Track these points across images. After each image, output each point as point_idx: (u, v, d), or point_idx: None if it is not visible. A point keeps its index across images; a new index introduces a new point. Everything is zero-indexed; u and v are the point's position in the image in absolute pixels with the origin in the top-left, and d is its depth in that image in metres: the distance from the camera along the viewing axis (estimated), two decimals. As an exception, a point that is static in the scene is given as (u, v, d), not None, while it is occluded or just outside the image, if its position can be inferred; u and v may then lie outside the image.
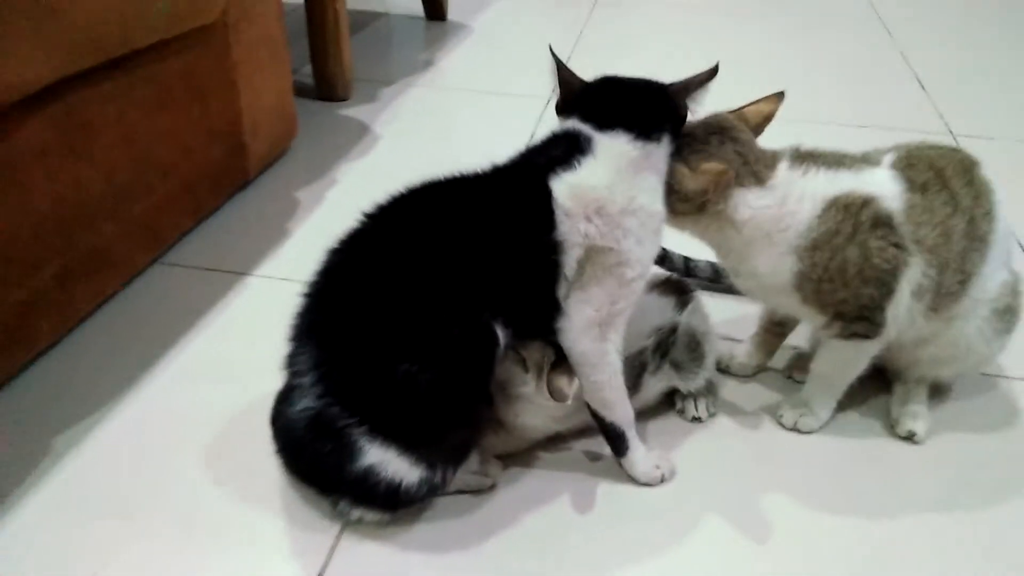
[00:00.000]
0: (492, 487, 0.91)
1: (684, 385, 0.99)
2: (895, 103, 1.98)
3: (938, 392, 1.05)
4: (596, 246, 0.82)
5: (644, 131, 0.84)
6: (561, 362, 0.87)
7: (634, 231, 0.83)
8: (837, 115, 1.86)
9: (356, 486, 0.79)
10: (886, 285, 0.87)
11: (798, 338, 1.10)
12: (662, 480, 0.92)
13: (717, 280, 1.21)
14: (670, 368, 0.98)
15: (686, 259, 1.22)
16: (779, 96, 0.93)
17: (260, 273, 1.25)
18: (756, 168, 0.88)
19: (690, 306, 1.00)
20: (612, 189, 0.82)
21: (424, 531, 0.86)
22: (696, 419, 1.00)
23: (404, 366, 0.75)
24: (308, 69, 1.87)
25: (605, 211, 0.82)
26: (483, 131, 1.76)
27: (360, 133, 1.72)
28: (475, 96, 1.94)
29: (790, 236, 0.87)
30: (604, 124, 0.84)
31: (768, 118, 0.92)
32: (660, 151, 0.86)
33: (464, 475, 0.88)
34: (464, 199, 0.84)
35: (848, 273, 0.87)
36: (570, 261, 0.82)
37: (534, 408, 0.89)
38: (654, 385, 0.98)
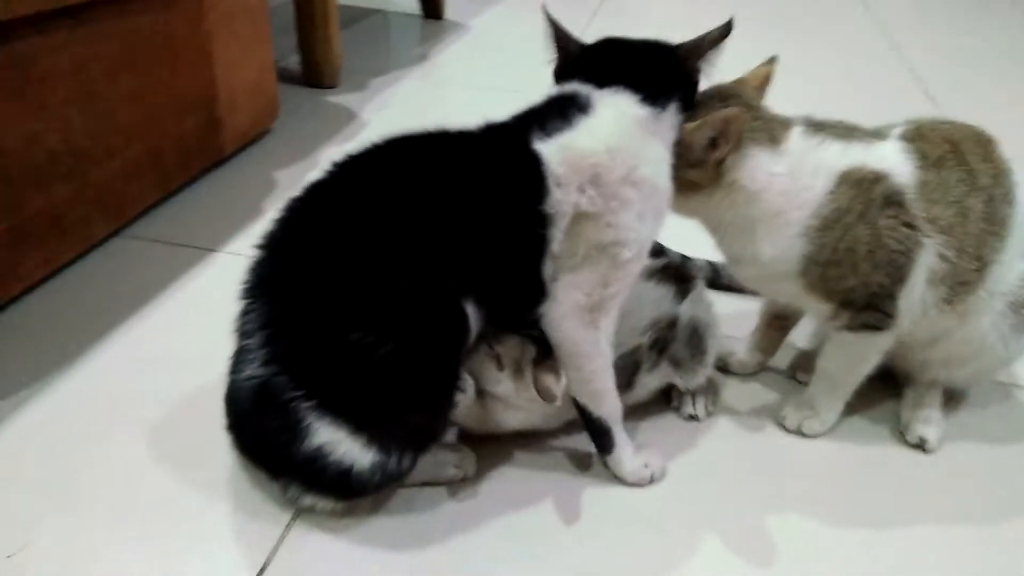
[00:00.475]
0: (463, 480, 0.82)
1: (683, 383, 0.91)
2: (904, 116, 1.92)
3: (952, 399, 0.97)
4: (588, 214, 0.74)
5: (651, 93, 0.76)
6: (544, 358, 0.78)
7: (635, 205, 0.74)
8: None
9: (304, 468, 0.70)
10: (898, 269, 0.80)
11: (802, 337, 1.02)
12: (651, 481, 0.83)
13: (716, 279, 1.14)
14: (668, 365, 0.89)
15: (683, 257, 1.14)
16: (772, 60, 0.87)
17: (229, 250, 1.17)
18: (771, 126, 0.81)
19: (692, 295, 0.91)
20: (612, 154, 0.73)
21: (382, 525, 0.77)
22: (693, 417, 0.92)
23: (357, 334, 0.67)
24: (297, 58, 1.80)
25: (602, 180, 0.73)
26: (475, 124, 1.69)
27: (347, 119, 1.65)
28: (468, 91, 1.87)
29: (803, 215, 0.80)
30: (606, 82, 0.76)
31: (767, 79, 0.86)
32: (668, 118, 0.78)
33: (431, 465, 0.80)
34: (445, 157, 0.75)
35: (858, 255, 0.79)
36: (558, 235, 0.74)
37: (511, 409, 0.81)
38: (649, 383, 0.90)
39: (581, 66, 0.79)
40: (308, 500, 0.74)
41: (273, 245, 0.72)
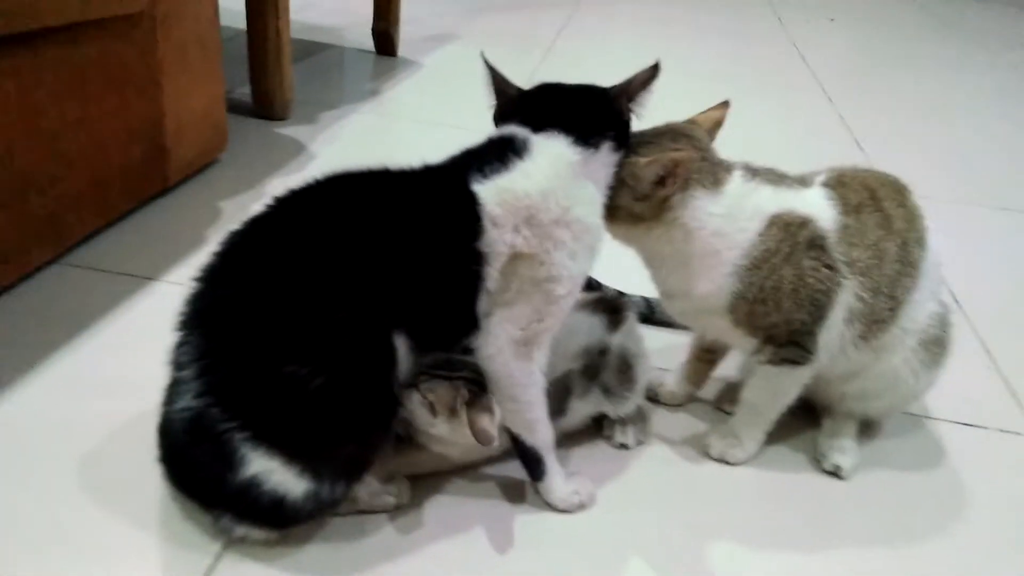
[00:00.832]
0: (396, 508, 0.83)
1: (613, 410, 0.94)
2: (833, 161, 1.99)
3: (867, 430, 1.02)
4: (524, 255, 0.77)
5: (584, 134, 0.80)
6: (476, 399, 0.79)
7: (567, 244, 0.78)
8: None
9: (237, 499, 0.71)
10: (819, 308, 0.85)
11: (729, 369, 1.06)
12: (580, 507, 0.86)
13: (651, 315, 1.18)
14: (599, 392, 0.92)
15: (619, 293, 1.18)
16: (725, 104, 0.92)
17: (169, 279, 1.17)
18: (715, 169, 0.86)
19: (624, 327, 0.95)
20: (546, 196, 0.77)
21: (316, 554, 0.78)
22: (623, 446, 0.95)
23: (291, 367, 0.68)
24: (248, 90, 1.82)
25: (536, 220, 0.76)
26: (425, 159, 1.72)
27: (295, 151, 1.67)
28: (419, 126, 1.91)
29: (735, 255, 0.84)
30: (541, 126, 0.80)
31: (718, 123, 0.91)
32: (601, 158, 0.82)
33: (365, 494, 0.81)
34: (383, 194, 0.77)
35: (782, 293, 0.84)
36: (493, 273, 0.77)
37: (451, 446, 0.83)
38: (581, 409, 0.92)
39: (518, 110, 0.83)
40: (240, 530, 0.75)
41: (210, 278, 0.74)
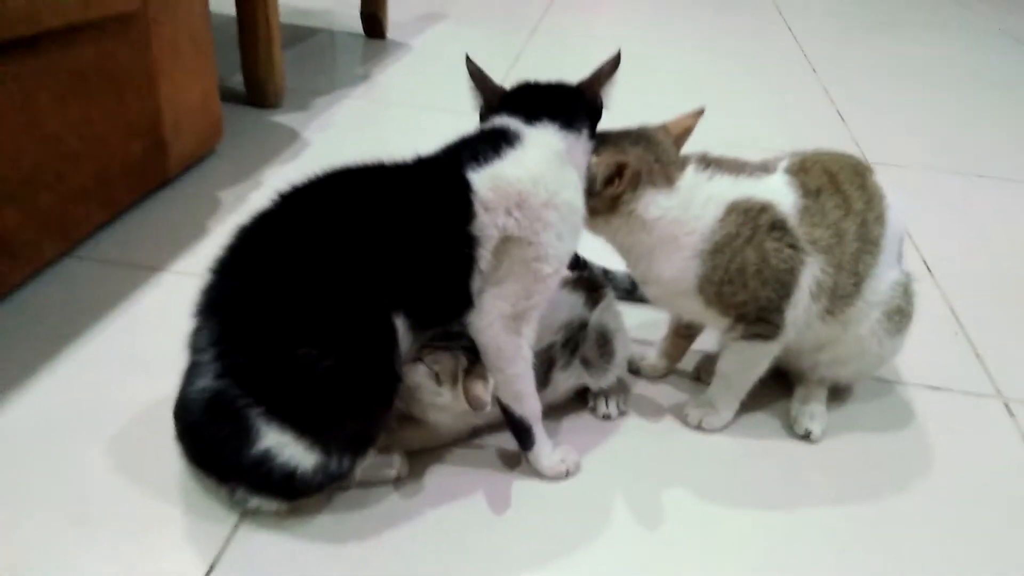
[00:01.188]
0: (397, 480, 0.90)
1: (594, 382, 1.00)
2: (816, 133, 2.07)
3: (838, 395, 1.09)
4: (514, 238, 0.83)
5: (568, 121, 0.87)
6: (473, 366, 0.87)
7: (555, 225, 0.84)
8: (759, 142, 1.93)
9: (252, 471, 0.77)
10: (784, 286, 0.90)
11: (707, 342, 1.13)
12: (567, 475, 0.93)
13: (634, 291, 1.23)
14: (580, 365, 0.98)
15: (605, 271, 1.24)
16: (699, 112, 0.98)
17: (175, 269, 1.23)
18: (668, 169, 0.91)
19: (602, 304, 1.01)
20: (536, 182, 0.83)
21: (325, 523, 0.84)
22: (606, 416, 1.02)
23: (303, 349, 0.75)
24: (240, 78, 1.86)
25: (527, 204, 0.83)
26: (417, 144, 1.76)
27: (290, 139, 1.71)
28: (411, 111, 1.95)
29: (695, 240, 0.90)
30: (532, 117, 0.87)
31: (688, 130, 0.97)
32: (581, 144, 0.89)
33: (368, 467, 0.87)
34: (381, 186, 0.83)
35: (747, 274, 0.90)
36: (485, 254, 0.83)
37: (448, 413, 0.89)
38: (563, 381, 0.99)
39: (506, 105, 0.89)
40: (255, 502, 0.81)
41: (223, 270, 0.80)
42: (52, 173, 1.13)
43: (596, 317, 0.99)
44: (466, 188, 0.82)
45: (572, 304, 0.99)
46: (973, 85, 2.59)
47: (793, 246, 0.90)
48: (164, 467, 0.87)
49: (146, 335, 1.08)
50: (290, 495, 0.81)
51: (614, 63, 0.91)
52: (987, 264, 1.50)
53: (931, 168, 1.90)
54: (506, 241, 0.83)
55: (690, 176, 0.92)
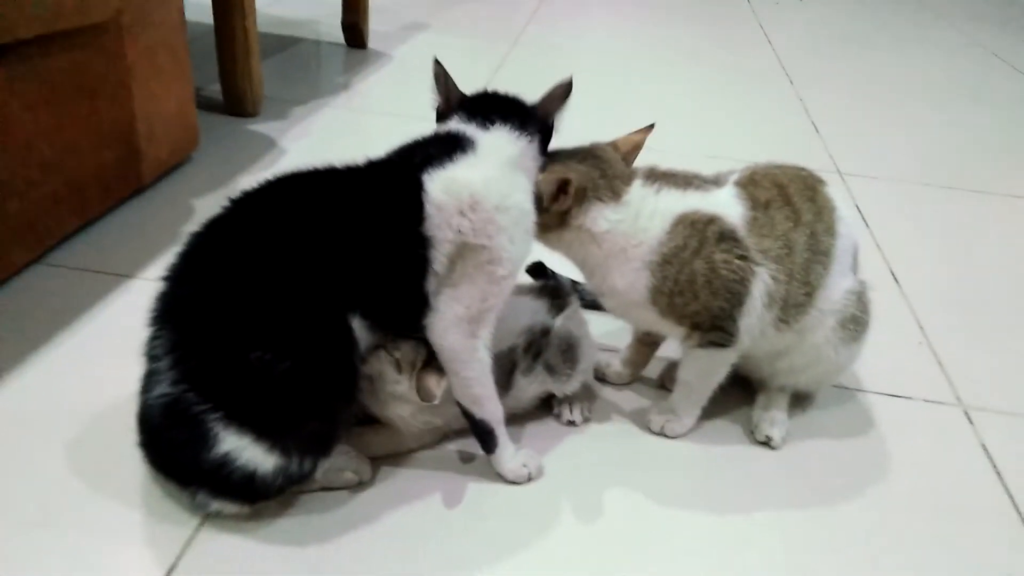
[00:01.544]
0: (359, 484, 0.91)
1: (558, 388, 1.01)
2: (790, 144, 2.10)
3: (800, 402, 1.11)
4: (469, 243, 0.84)
5: (521, 127, 0.90)
6: (431, 361, 0.88)
7: (507, 228, 0.86)
8: (734, 152, 1.95)
9: (211, 475, 0.78)
10: (736, 296, 0.92)
11: (672, 350, 1.14)
12: (529, 479, 0.94)
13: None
14: (543, 371, 1.00)
15: (573, 282, 1.25)
16: (649, 128, 1.01)
17: (146, 276, 1.24)
18: (613, 183, 0.94)
19: (566, 311, 1.03)
20: (488, 185, 0.85)
21: (285, 526, 0.85)
22: (571, 423, 1.03)
23: (257, 353, 0.75)
24: (219, 86, 1.87)
25: (480, 206, 0.84)
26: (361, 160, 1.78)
27: (266, 147, 1.72)
28: (388, 119, 1.96)
29: (643, 251, 0.93)
30: (486, 123, 0.89)
31: (637, 146, 1.00)
32: (532, 151, 0.91)
33: (329, 472, 0.88)
34: (332, 189, 0.85)
35: (697, 285, 0.92)
36: (440, 256, 0.84)
37: (410, 405, 0.91)
38: (527, 387, 1.00)
39: (463, 109, 0.92)
40: (216, 505, 0.82)
41: (176, 277, 0.81)
42: (23, 180, 1.14)
43: (560, 324, 1.01)
44: (419, 189, 0.84)
45: (535, 310, 1.01)
46: (948, 97, 2.63)
47: (743, 257, 0.92)
48: (127, 471, 0.88)
49: (113, 341, 1.09)
50: (250, 498, 0.82)
51: (566, 88, 0.93)
52: (954, 274, 1.53)
53: (902, 180, 1.93)
54: (461, 247, 0.84)
55: (637, 190, 0.94)
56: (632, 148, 0.99)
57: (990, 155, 2.18)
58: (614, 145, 0.99)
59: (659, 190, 0.94)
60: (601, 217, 0.93)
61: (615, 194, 0.94)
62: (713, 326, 0.93)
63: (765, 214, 0.94)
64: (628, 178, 0.95)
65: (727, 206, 0.94)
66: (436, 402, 0.86)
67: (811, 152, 2.03)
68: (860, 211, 1.71)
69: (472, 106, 0.92)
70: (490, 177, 0.85)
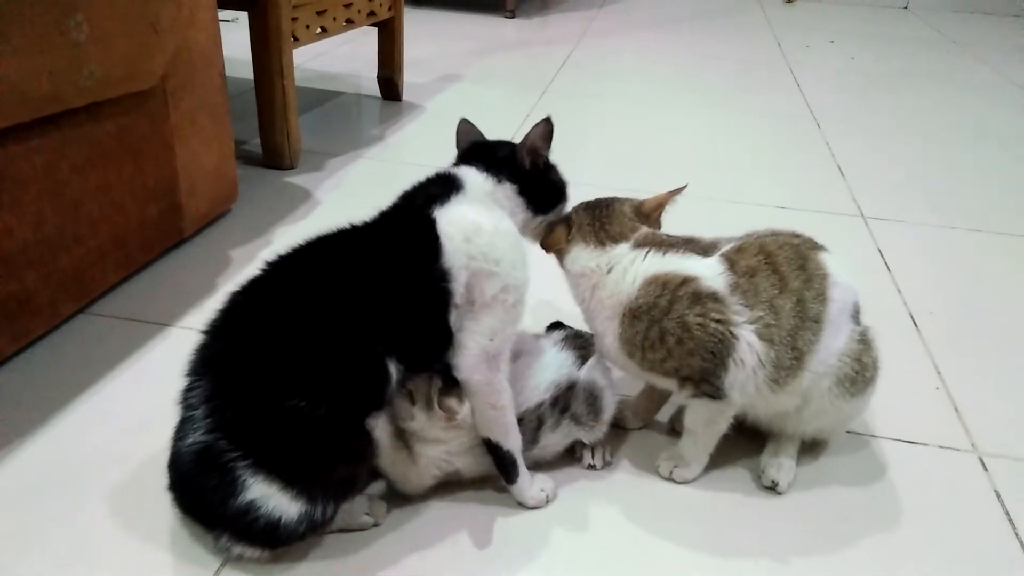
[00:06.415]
0: (375, 526, 0.94)
1: (585, 437, 1.04)
2: (814, 187, 2.11)
3: (812, 448, 1.11)
4: (480, 270, 0.91)
5: (488, 169, 1.01)
6: (450, 387, 0.92)
7: (508, 252, 0.93)
8: (760, 196, 1.98)
9: (236, 521, 0.82)
10: (716, 356, 0.94)
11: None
12: (547, 501, 0.99)
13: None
14: (570, 421, 1.02)
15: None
16: (680, 188, 1.06)
17: (183, 324, 1.31)
18: (599, 233, 1.02)
19: (591, 361, 1.06)
20: (480, 214, 0.94)
21: (306, 570, 0.89)
22: (591, 467, 1.06)
23: (292, 401, 0.80)
24: (259, 140, 1.97)
25: (481, 231, 0.92)
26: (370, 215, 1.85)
27: (302, 198, 1.81)
28: (420, 169, 1.99)
29: (614, 303, 0.98)
30: (470, 164, 1.02)
31: (661, 204, 1.06)
32: (504, 190, 1.01)
33: (347, 515, 0.92)
34: (355, 242, 0.92)
35: (669, 344, 0.95)
36: (458, 288, 0.90)
37: (429, 444, 0.95)
38: (553, 439, 1.02)
39: (461, 156, 1.06)
40: (238, 549, 0.86)
41: (216, 331, 0.87)
42: (71, 236, 1.22)
43: (586, 375, 1.04)
44: (431, 225, 0.92)
45: (560, 363, 1.04)
46: (976, 138, 2.61)
47: (720, 320, 0.94)
48: (157, 513, 0.93)
49: (151, 388, 1.15)
50: (273, 544, 0.86)
51: (544, 127, 1.01)
52: (975, 319, 1.52)
53: (926, 223, 1.92)
54: (474, 275, 0.91)
55: (623, 248, 1.01)
56: (656, 206, 1.05)
57: (1015, 196, 2.16)
58: (634, 203, 1.05)
59: (644, 255, 0.99)
60: (579, 258, 1.01)
61: (599, 242, 1.01)
62: (703, 379, 0.96)
63: (749, 280, 0.95)
64: (620, 236, 1.01)
65: (707, 269, 0.96)
66: (459, 418, 0.90)
67: (835, 196, 2.04)
68: (882, 255, 1.72)
69: (466, 153, 1.05)
70: (480, 210, 0.95)
